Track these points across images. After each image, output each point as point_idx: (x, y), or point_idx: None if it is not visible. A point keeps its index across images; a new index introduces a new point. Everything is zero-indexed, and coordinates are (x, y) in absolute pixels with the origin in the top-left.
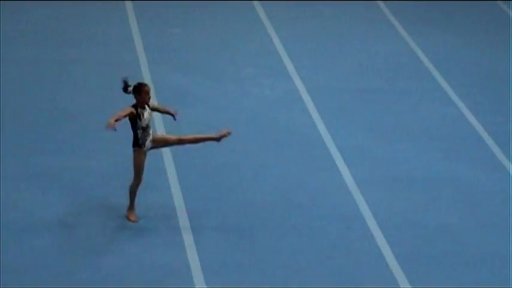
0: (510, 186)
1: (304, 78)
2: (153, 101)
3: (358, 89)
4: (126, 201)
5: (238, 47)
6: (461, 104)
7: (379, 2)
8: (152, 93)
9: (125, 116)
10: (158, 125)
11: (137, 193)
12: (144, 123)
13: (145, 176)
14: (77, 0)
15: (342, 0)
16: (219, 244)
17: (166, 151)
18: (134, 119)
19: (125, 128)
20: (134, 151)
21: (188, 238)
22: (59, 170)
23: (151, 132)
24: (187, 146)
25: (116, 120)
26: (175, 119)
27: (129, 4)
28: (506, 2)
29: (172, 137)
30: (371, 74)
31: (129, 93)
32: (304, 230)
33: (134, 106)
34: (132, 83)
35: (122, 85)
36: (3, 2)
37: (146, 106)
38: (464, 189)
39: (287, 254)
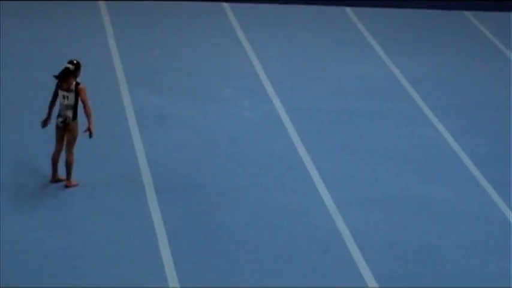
0: (488, 207)
1: (284, 99)
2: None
3: (337, 111)
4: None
5: (218, 69)
6: (439, 125)
7: (358, 24)
8: (131, 114)
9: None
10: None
11: None
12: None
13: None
14: (57, 19)
15: (320, 22)
16: (197, 264)
17: (145, 171)
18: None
19: (94, 149)
20: None
21: (167, 258)
22: (34, 189)
23: (62, 113)
24: (168, 167)
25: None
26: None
27: (108, 25)
28: (483, 22)
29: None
30: (350, 95)
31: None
32: (284, 252)
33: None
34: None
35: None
36: None
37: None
38: (443, 210)
39: (266, 277)
